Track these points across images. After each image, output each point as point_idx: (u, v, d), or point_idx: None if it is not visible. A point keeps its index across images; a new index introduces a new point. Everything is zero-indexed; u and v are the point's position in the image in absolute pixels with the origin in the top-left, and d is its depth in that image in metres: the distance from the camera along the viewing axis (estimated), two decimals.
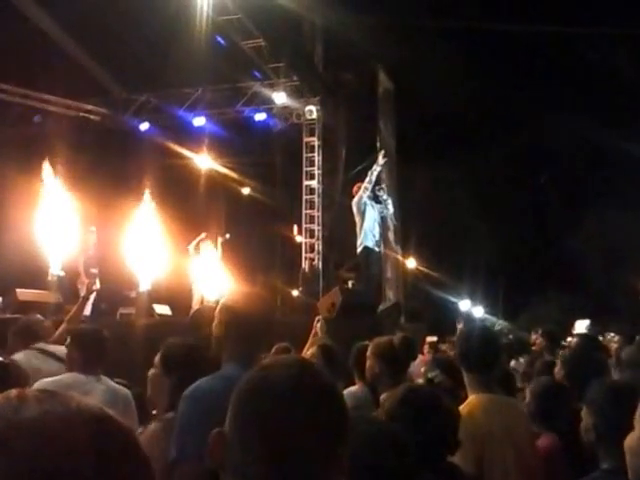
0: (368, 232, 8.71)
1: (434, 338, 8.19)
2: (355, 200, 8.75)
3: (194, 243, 10.27)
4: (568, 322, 9.66)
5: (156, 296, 9.86)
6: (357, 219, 8.73)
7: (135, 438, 0.73)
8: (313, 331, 5.50)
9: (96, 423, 0.70)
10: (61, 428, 0.68)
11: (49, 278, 9.15)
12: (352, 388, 3.79)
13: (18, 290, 7.20)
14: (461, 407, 2.60)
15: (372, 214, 8.73)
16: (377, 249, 9.09)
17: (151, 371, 2.67)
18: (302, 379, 1.17)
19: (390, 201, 9.21)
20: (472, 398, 2.69)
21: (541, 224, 20.65)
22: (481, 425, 2.58)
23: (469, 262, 19.52)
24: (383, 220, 9.19)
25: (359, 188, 8.84)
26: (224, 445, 1.16)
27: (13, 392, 0.71)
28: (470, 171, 18.34)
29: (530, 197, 20.77)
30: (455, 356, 3.02)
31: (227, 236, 11.07)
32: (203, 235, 10.34)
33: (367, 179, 8.76)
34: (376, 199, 8.90)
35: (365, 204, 8.65)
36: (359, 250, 8.80)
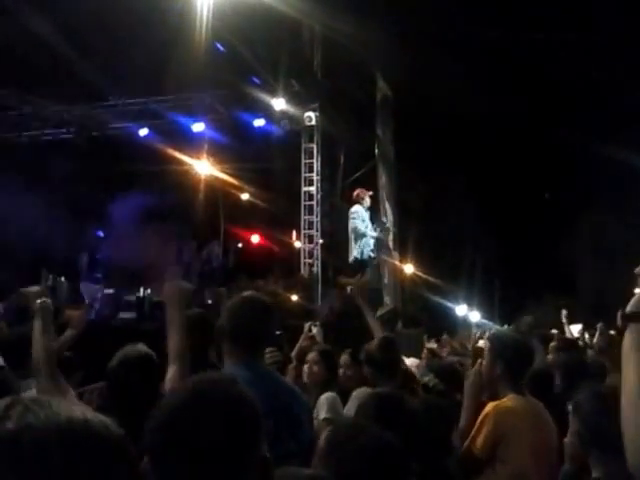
0: (363, 244, 9.10)
1: (434, 345, 8.22)
2: (351, 211, 9.12)
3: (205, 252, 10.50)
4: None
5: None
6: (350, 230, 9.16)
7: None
8: (303, 335, 5.55)
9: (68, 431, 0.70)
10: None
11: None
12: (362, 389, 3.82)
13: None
14: (499, 405, 2.83)
15: (365, 225, 9.12)
16: (372, 255, 9.39)
17: None
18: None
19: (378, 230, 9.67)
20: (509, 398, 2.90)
21: (537, 228, 20.69)
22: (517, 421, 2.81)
23: (466, 267, 19.56)
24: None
25: (358, 195, 9.02)
26: None
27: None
28: (468, 177, 18.41)
29: (527, 202, 20.81)
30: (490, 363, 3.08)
31: (239, 245, 11.24)
32: (214, 243, 10.57)
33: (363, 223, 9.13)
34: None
35: (357, 218, 9.06)
36: (351, 261, 9.22)
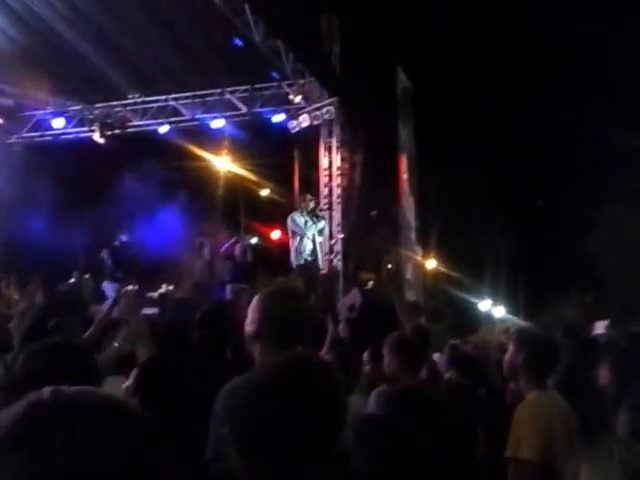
0: (301, 250, 9.72)
1: (457, 341, 8.10)
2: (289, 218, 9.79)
3: (226, 246, 10.58)
4: (589, 322, 9.50)
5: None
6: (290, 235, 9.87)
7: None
8: (330, 333, 5.47)
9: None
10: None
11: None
12: (381, 388, 3.76)
13: None
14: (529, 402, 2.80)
15: (305, 231, 9.70)
16: (309, 259, 9.94)
17: None
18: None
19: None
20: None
21: (562, 223, 20.38)
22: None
23: (490, 262, 19.35)
24: (321, 233, 10.13)
25: (299, 204, 9.86)
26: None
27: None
28: (490, 171, 18.19)
29: (551, 196, 20.52)
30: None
31: (255, 240, 11.25)
32: (234, 239, 10.64)
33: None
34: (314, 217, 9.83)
35: (297, 223, 9.67)
36: (296, 267, 9.83)
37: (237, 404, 1.15)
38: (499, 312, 20.44)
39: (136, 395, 2.61)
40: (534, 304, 20.21)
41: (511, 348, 3.06)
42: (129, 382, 2.59)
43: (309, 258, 9.89)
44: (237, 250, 11.50)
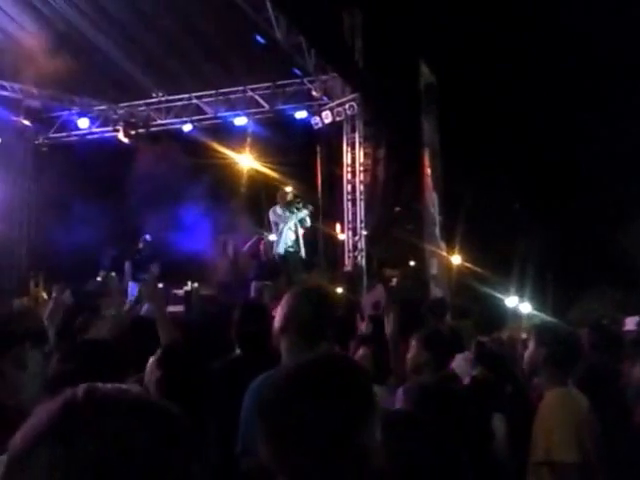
0: (281, 241, 9.99)
1: (483, 338, 8.00)
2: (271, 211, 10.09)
3: (249, 244, 10.68)
4: (619, 319, 9.32)
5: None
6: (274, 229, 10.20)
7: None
8: (359, 330, 5.45)
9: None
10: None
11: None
12: (409, 384, 3.74)
13: None
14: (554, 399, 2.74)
15: (286, 221, 10.01)
16: (291, 249, 10.20)
17: None
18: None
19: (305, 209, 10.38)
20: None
21: (592, 217, 20.04)
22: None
23: (517, 257, 19.11)
24: (302, 222, 10.33)
25: (282, 197, 10.09)
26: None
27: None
28: (517, 164, 17.94)
29: (580, 190, 20.18)
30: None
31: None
32: (257, 237, 10.73)
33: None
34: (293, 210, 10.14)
35: (278, 213, 10.01)
36: (277, 258, 10.10)
37: (268, 400, 1.17)
38: (526, 308, 20.18)
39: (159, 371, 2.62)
40: (562, 300, 19.91)
41: (531, 344, 3.00)
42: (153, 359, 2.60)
43: (291, 249, 10.12)
44: (261, 248, 11.53)
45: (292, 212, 10.06)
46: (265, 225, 13.31)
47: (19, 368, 3.65)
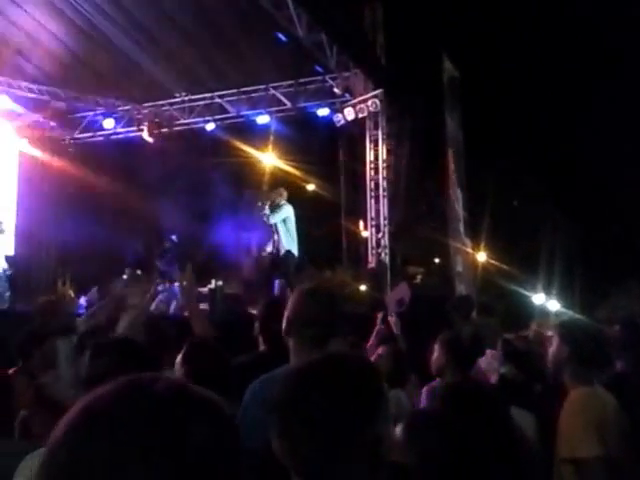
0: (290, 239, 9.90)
1: (510, 335, 7.90)
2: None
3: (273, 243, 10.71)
4: None
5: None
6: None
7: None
8: (377, 327, 5.41)
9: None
10: None
11: None
12: (433, 383, 3.75)
13: None
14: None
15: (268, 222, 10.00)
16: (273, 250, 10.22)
17: None
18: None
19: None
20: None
21: (620, 212, 19.70)
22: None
23: (543, 254, 18.87)
24: (285, 222, 10.13)
25: (280, 193, 9.98)
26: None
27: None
28: (542, 160, 17.69)
29: (608, 184, 19.84)
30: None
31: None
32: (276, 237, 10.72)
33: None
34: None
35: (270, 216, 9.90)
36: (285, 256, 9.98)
37: (280, 398, 1.18)
38: (554, 305, 19.92)
39: (185, 366, 2.62)
40: (591, 297, 19.61)
41: (555, 341, 2.92)
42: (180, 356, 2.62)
43: (271, 249, 10.18)
44: (282, 245, 11.52)
45: (273, 212, 10.01)
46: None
47: (50, 361, 3.72)
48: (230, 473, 0.71)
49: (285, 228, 9.94)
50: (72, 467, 0.65)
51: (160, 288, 11.18)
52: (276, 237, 10.08)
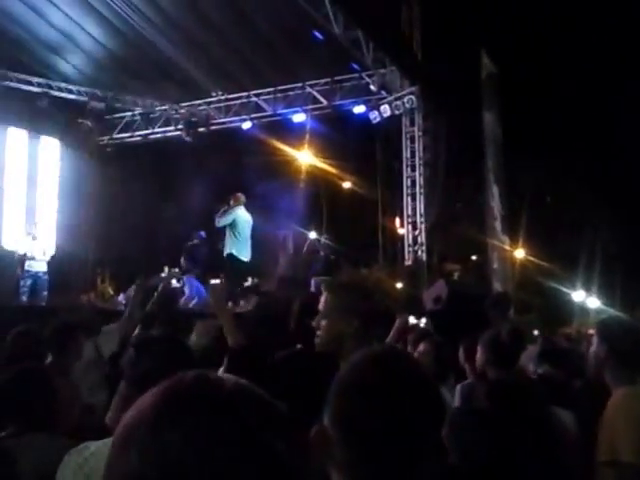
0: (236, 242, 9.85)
1: (549, 333, 7.80)
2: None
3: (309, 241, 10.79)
4: None
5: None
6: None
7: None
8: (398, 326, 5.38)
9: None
10: None
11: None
12: (465, 382, 3.73)
13: None
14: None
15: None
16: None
17: None
18: (393, 374, 1.13)
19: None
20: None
21: None
22: None
23: (583, 251, 18.50)
24: (232, 226, 10.07)
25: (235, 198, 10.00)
26: (327, 442, 1.12)
27: None
28: (582, 157, 17.33)
29: None
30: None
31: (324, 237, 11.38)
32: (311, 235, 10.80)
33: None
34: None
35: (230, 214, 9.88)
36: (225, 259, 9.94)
37: (333, 390, 1.16)
38: (593, 303, 19.52)
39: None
40: (633, 294, 19.14)
41: (595, 340, 2.85)
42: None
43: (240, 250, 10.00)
44: (319, 243, 11.57)
45: (223, 215, 10.02)
46: (324, 221, 13.36)
47: (76, 358, 3.82)
48: (297, 468, 0.71)
49: (230, 232, 9.90)
50: (144, 469, 0.65)
51: (181, 283, 11.35)
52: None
